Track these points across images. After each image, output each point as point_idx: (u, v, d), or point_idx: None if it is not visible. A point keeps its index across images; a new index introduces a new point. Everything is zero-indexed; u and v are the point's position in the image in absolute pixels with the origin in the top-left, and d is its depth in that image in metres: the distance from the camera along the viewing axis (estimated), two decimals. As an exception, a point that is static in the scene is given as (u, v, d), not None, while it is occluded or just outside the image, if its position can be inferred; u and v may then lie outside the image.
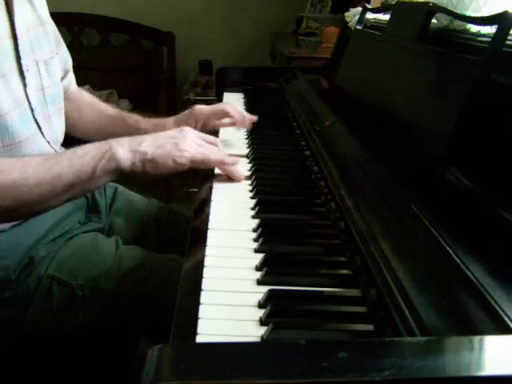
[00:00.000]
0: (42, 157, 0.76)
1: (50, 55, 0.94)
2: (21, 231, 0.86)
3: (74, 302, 0.85)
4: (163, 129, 0.94)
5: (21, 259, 0.84)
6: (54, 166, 0.73)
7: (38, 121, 0.86)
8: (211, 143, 0.85)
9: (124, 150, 0.76)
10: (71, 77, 1.12)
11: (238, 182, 0.87)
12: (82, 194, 0.80)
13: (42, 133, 0.87)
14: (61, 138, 0.98)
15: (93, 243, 0.94)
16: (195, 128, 0.96)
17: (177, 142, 0.79)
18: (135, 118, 1.09)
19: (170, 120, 1.08)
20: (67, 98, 1.09)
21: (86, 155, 0.75)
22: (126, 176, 0.77)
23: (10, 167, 0.72)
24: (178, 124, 1.02)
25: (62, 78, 1.06)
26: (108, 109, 1.14)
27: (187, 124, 0.96)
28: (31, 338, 0.87)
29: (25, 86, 0.83)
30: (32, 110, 0.85)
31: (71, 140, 1.04)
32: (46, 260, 0.86)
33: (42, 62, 0.90)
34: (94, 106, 1.14)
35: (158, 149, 0.77)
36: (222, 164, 0.85)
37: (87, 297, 0.85)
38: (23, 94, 0.83)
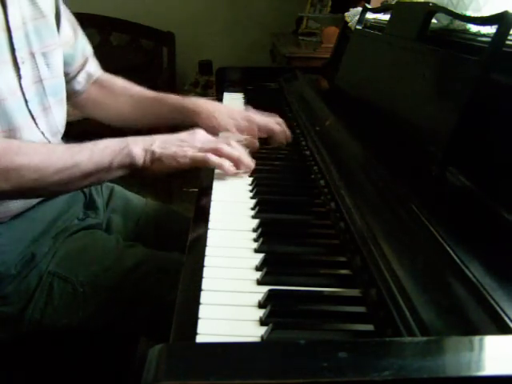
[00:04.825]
0: (65, 145, 0.82)
1: (52, 47, 0.93)
2: (21, 225, 0.87)
3: (75, 299, 0.86)
4: (205, 113, 1.03)
5: (22, 254, 0.85)
6: (76, 155, 0.78)
7: (33, 112, 0.87)
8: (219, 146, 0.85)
9: (138, 149, 0.80)
10: (93, 63, 1.11)
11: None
12: (97, 183, 0.87)
13: (36, 123, 0.88)
14: (61, 129, 0.98)
15: (94, 240, 0.94)
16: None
17: (183, 144, 0.83)
18: (175, 97, 1.09)
19: (221, 108, 1.08)
20: (97, 85, 1.10)
21: (106, 149, 0.80)
22: (136, 171, 0.82)
23: (34, 151, 0.77)
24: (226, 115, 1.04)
25: (82, 66, 1.07)
26: (145, 91, 1.13)
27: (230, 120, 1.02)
28: (32, 335, 0.87)
29: (19, 77, 0.84)
30: (26, 101, 0.85)
31: (85, 133, 1.02)
32: (48, 256, 0.87)
33: (40, 55, 0.89)
34: (129, 89, 1.13)
35: (166, 150, 0.82)
36: (220, 167, 0.85)
37: (88, 293, 0.86)
38: (17, 84, 0.84)
